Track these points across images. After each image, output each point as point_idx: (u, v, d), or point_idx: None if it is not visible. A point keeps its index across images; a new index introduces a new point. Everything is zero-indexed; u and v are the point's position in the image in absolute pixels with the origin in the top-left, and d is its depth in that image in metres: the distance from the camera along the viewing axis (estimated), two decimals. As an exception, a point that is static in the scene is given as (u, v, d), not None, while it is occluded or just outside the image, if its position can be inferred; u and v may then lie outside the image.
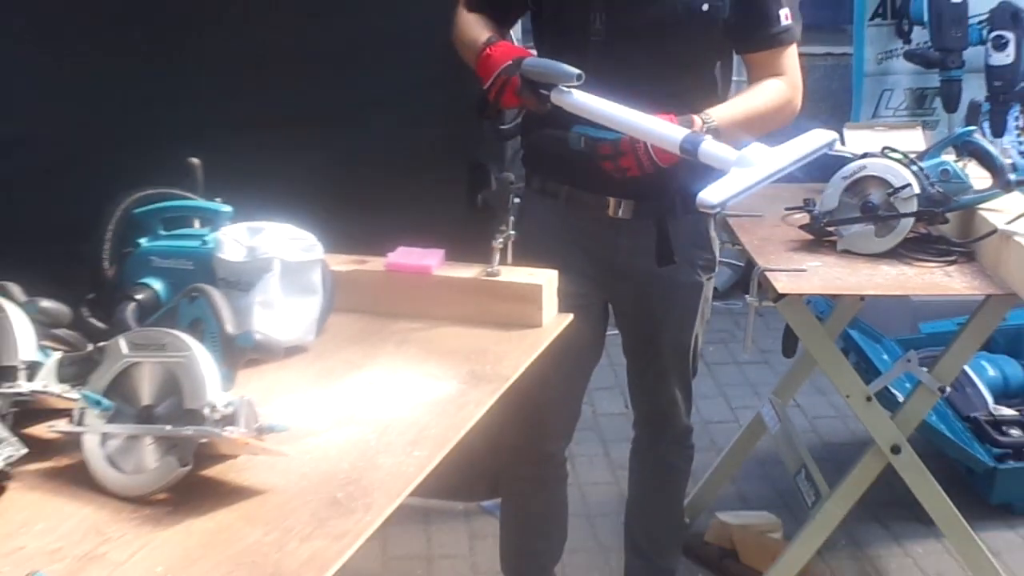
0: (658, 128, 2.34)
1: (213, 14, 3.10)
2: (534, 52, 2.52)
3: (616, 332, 2.92)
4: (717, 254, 2.86)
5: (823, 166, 2.94)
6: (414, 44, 2.77)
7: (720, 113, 2.52)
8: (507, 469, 3.06)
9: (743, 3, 2.59)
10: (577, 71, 2.36)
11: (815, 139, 2.29)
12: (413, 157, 3.03)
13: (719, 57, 2.71)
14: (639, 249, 2.68)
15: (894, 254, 2.81)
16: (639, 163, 2.39)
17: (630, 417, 3.04)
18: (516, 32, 3.03)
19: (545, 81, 2.39)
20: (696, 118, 2.45)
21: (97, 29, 3.11)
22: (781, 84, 2.65)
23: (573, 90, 2.38)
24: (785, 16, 2.62)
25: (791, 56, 2.68)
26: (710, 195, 2.18)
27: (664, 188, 2.55)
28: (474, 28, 2.63)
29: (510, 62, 2.43)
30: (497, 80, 2.44)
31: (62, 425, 1.77)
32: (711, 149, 2.24)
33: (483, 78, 2.49)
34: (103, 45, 3.14)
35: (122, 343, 1.81)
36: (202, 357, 1.74)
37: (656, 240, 2.64)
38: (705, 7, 2.55)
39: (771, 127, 2.70)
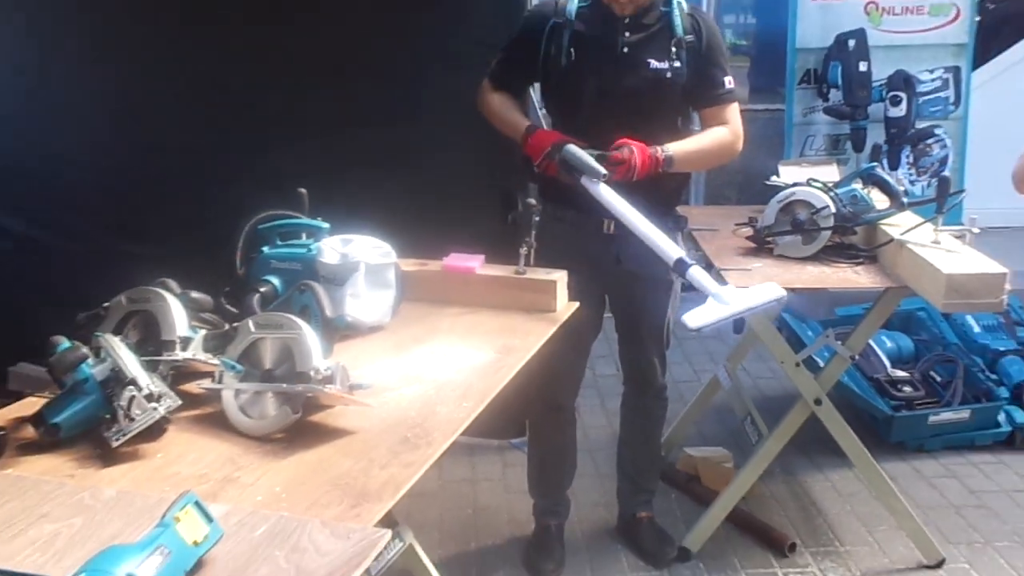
0: (659, 241, 2.36)
1: (329, 81, 3.13)
2: (565, 139, 2.51)
3: (610, 315, 2.92)
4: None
5: (763, 192, 2.95)
6: (465, 102, 2.77)
7: (674, 146, 2.56)
8: (532, 416, 3.06)
9: (697, 73, 2.60)
10: (604, 172, 2.42)
11: (772, 291, 2.33)
12: (461, 187, 3.04)
13: (680, 112, 2.71)
14: (625, 255, 2.68)
15: (816, 258, 2.80)
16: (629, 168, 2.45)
17: (621, 378, 3.05)
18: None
19: (579, 168, 2.43)
20: (659, 148, 2.50)
21: (229, 97, 3.15)
22: (725, 131, 2.66)
23: (599, 184, 2.42)
24: (728, 82, 2.65)
25: (734, 111, 2.68)
26: (692, 319, 2.24)
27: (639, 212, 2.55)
28: (511, 112, 2.66)
29: (550, 148, 2.47)
30: (543, 160, 2.48)
31: (207, 383, 1.80)
32: (696, 275, 2.29)
33: (532, 156, 2.53)
34: (234, 111, 3.18)
35: (250, 323, 1.84)
36: (309, 334, 1.77)
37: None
38: (669, 75, 2.58)
39: (717, 162, 2.75)
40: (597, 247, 2.67)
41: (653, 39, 2.60)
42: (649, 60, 2.58)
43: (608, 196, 2.41)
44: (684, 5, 2.62)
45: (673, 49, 2.58)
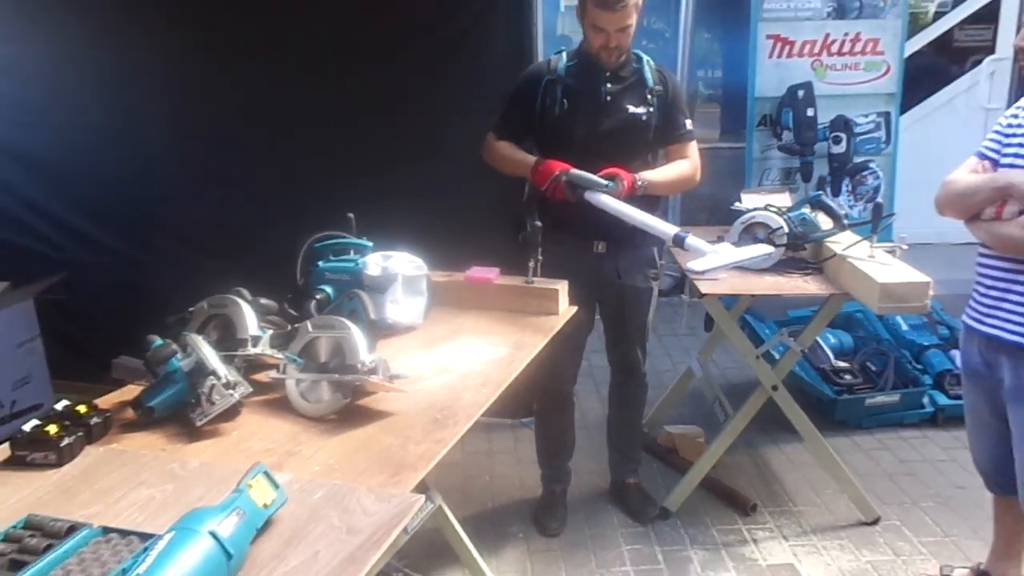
0: (658, 225, 2.40)
1: (372, 130, 3.15)
2: (568, 166, 2.51)
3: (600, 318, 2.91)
4: (661, 271, 2.88)
5: (729, 215, 2.93)
6: (482, 143, 2.78)
7: (648, 175, 2.59)
8: (539, 399, 3.04)
9: (664, 116, 2.65)
10: (606, 182, 2.45)
11: (761, 248, 2.47)
12: (479, 212, 3.03)
13: (650, 149, 2.72)
14: (614, 270, 2.71)
15: (773, 269, 2.77)
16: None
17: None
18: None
19: (584, 185, 2.45)
20: (636, 176, 2.54)
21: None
22: (686, 163, 2.70)
23: (601, 194, 2.44)
24: (688, 124, 2.71)
25: (693, 147, 2.72)
26: (697, 265, 2.31)
27: (621, 235, 2.60)
28: (516, 152, 2.65)
29: (558, 172, 2.48)
30: (551, 183, 2.48)
31: (273, 374, 1.80)
32: (694, 242, 2.31)
33: (540, 182, 2.52)
34: (297, 153, 3.19)
35: (308, 325, 1.84)
36: (356, 333, 1.77)
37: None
38: (644, 117, 2.62)
39: (680, 188, 2.82)
40: (590, 264, 2.68)
41: (631, 88, 2.63)
42: (628, 105, 2.60)
43: (610, 202, 2.44)
44: (652, 63, 2.66)
45: (648, 96, 2.62)
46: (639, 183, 2.54)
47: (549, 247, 2.40)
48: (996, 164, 2.05)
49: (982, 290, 2.09)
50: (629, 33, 2.53)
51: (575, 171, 2.47)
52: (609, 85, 2.61)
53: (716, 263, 2.31)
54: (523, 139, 2.69)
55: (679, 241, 2.34)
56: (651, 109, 2.62)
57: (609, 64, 2.59)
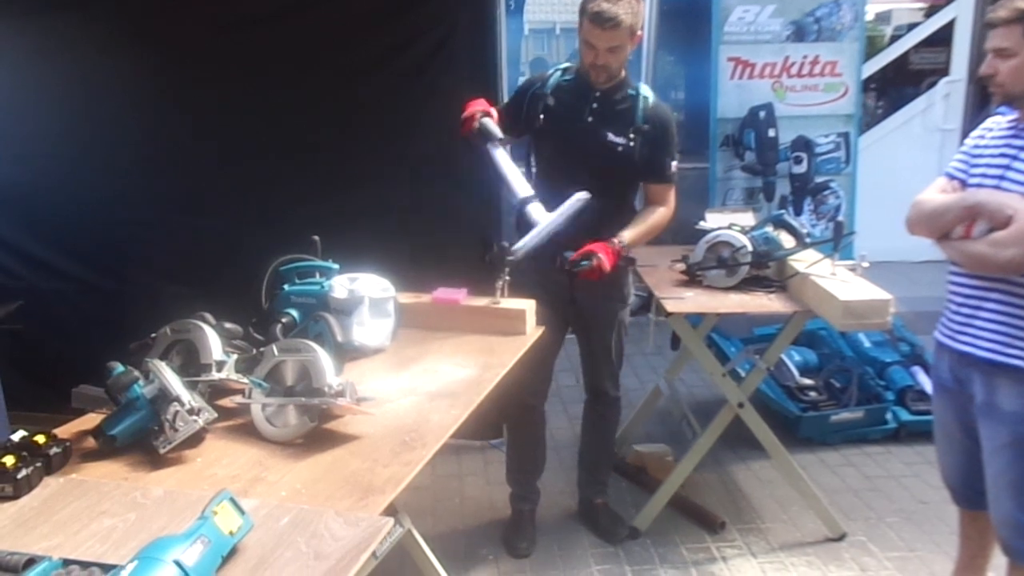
0: (515, 185, 2.46)
1: (333, 148, 3.15)
2: (493, 112, 2.58)
3: (573, 335, 2.91)
4: (630, 294, 2.85)
5: (693, 234, 2.96)
6: (449, 166, 2.78)
7: (627, 234, 2.59)
8: (509, 419, 3.04)
9: (649, 156, 2.62)
10: (501, 135, 2.51)
11: (576, 199, 2.40)
12: (446, 234, 3.05)
13: (631, 179, 2.71)
14: (601, 289, 2.66)
15: (738, 287, 2.81)
16: (600, 272, 2.47)
17: (580, 388, 3.01)
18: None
19: (488, 136, 2.50)
20: (615, 240, 2.55)
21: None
22: (662, 211, 2.70)
23: (498, 148, 2.50)
24: (673, 167, 2.68)
25: (671, 191, 2.72)
26: (515, 247, 2.35)
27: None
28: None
29: (478, 112, 2.53)
30: (467, 117, 2.54)
31: (238, 399, 1.79)
32: (531, 210, 2.40)
33: (464, 109, 2.58)
34: (258, 177, 3.19)
35: (274, 348, 1.82)
36: (323, 356, 1.76)
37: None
38: (620, 148, 2.59)
39: (657, 234, 2.75)
40: (558, 284, 2.62)
41: (616, 116, 2.61)
42: (608, 132, 2.59)
43: (501, 160, 2.49)
44: (650, 99, 2.63)
45: (630, 130, 2.59)
46: (619, 245, 2.54)
47: (523, 266, 2.40)
48: (964, 184, 2.09)
49: (953, 307, 2.13)
50: (619, 55, 2.52)
51: (488, 120, 2.51)
52: (595, 106, 2.61)
53: (530, 238, 2.36)
54: (514, 134, 2.67)
55: (522, 204, 2.42)
56: (631, 143, 2.59)
57: (598, 83, 2.59)
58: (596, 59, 2.52)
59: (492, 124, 2.51)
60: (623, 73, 2.63)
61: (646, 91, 2.64)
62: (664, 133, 2.64)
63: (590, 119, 2.61)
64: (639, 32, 2.53)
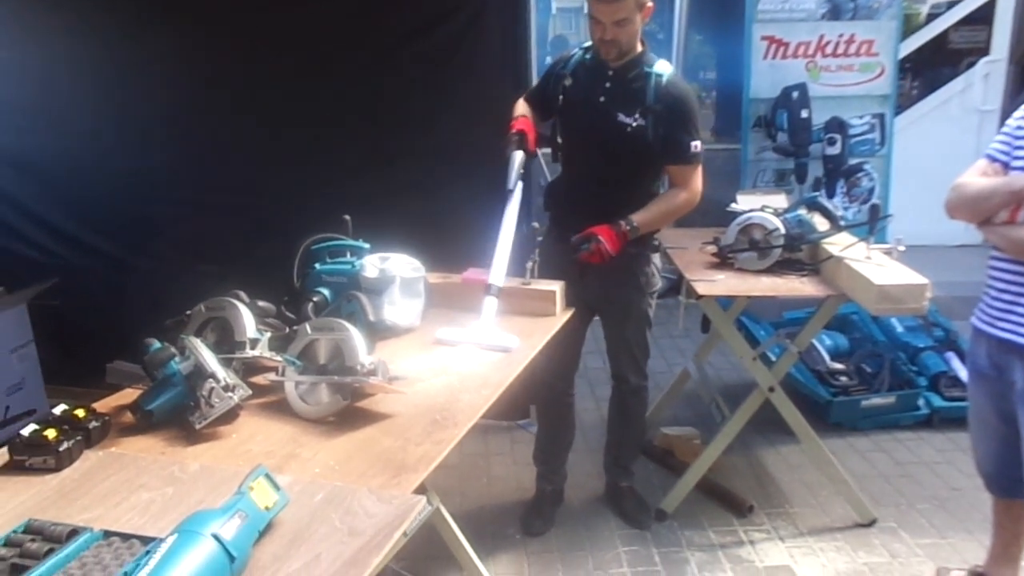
0: (497, 262, 2.30)
1: (366, 132, 3.16)
2: (528, 131, 2.52)
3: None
4: (657, 277, 2.78)
5: (724, 216, 2.94)
6: (477, 147, 2.77)
7: (638, 217, 2.53)
8: (538, 400, 3.05)
9: (665, 135, 2.52)
10: (510, 187, 2.41)
11: (508, 341, 2.13)
12: (477, 214, 2.98)
13: (652, 166, 2.63)
14: (612, 275, 2.64)
15: (769, 270, 2.79)
16: (602, 255, 2.44)
17: (606, 370, 2.98)
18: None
19: (510, 167, 2.43)
20: (623, 223, 2.49)
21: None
22: (683, 193, 2.58)
23: (512, 196, 2.42)
24: (694, 146, 2.55)
25: (695, 171, 2.58)
26: (441, 333, 2.17)
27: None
28: (520, 106, 2.65)
29: (514, 135, 2.48)
30: (510, 135, 2.49)
31: (272, 376, 1.81)
32: (486, 304, 2.22)
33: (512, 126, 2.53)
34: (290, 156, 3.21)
35: (307, 327, 1.85)
36: (355, 335, 1.78)
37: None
38: (629, 129, 2.51)
39: (675, 219, 2.69)
40: (588, 267, 2.55)
41: (628, 96, 2.53)
42: (618, 113, 2.52)
43: (510, 206, 2.40)
44: (665, 77, 2.52)
45: (638, 110, 2.51)
46: (626, 227, 2.48)
47: (548, 247, 2.38)
48: (1007, 167, 2.05)
49: (994, 293, 2.09)
50: (628, 29, 2.45)
51: (516, 153, 2.43)
52: (608, 85, 2.55)
53: (454, 337, 2.15)
54: (542, 114, 2.64)
55: (486, 291, 2.25)
56: (643, 124, 2.50)
57: (609, 59, 2.53)
58: (604, 34, 2.46)
59: (517, 161, 2.43)
60: (639, 49, 2.55)
61: (662, 68, 2.53)
62: (680, 111, 2.52)
63: (602, 99, 2.56)
64: (648, 4, 2.45)
